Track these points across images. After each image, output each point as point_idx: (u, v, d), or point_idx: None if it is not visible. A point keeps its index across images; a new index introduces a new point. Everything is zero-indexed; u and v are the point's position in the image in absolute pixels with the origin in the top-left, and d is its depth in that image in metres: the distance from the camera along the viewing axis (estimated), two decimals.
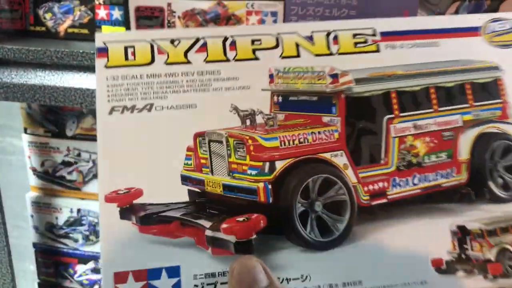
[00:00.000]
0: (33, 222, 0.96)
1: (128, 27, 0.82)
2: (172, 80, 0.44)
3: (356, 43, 0.46)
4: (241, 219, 0.40)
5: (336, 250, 0.42)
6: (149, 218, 0.41)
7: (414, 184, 0.46)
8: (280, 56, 0.45)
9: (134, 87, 0.43)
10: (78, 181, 0.94)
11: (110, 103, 0.43)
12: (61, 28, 0.86)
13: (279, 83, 0.45)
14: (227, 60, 0.45)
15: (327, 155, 0.44)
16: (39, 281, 0.99)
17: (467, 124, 0.48)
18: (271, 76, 0.45)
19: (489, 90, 0.49)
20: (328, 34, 0.46)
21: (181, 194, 0.42)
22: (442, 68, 0.47)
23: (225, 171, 0.44)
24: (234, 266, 0.37)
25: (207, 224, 0.41)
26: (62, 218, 0.95)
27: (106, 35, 0.45)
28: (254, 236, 0.40)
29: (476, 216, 0.44)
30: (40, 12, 0.87)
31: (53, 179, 0.95)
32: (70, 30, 0.87)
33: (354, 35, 0.47)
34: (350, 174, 0.44)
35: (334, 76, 0.45)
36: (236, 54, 0.45)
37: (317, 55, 0.46)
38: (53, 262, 0.97)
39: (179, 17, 0.80)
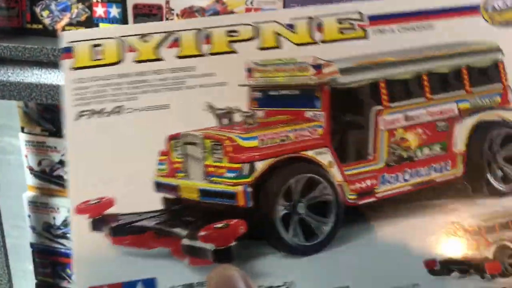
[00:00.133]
0: (31, 222, 0.96)
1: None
2: (143, 79, 0.41)
3: (341, 29, 0.43)
4: (219, 225, 0.38)
5: (322, 254, 0.39)
6: (121, 229, 0.39)
7: (405, 180, 0.43)
8: (259, 47, 0.42)
9: (102, 89, 0.41)
10: None
11: (77, 107, 0.40)
12: (59, 26, 0.86)
13: (257, 77, 0.42)
14: (201, 54, 0.42)
15: (310, 153, 0.42)
16: (37, 281, 1.00)
17: (464, 113, 0.45)
18: (249, 70, 0.42)
19: (488, 74, 0.45)
20: (310, 21, 0.43)
21: (155, 201, 0.40)
22: (436, 52, 0.44)
23: (202, 175, 0.42)
24: (211, 276, 0.36)
25: (183, 232, 0.39)
26: (59, 218, 0.95)
27: (72, 34, 0.42)
28: (234, 243, 0.38)
29: (473, 212, 0.41)
30: (37, 9, 0.86)
31: (50, 179, 0.94)
32: (67, 28, 0.86)
33: (339, 21, 0.43)
34: (335, 172, 0.42)
35: (318, 67, 0.42)
36: (211, 48, 0.42)
37: (299, 44, 0.42)
38: (51, 262, 0.98)
39: (177, 15, 0.79)
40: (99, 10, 0.83)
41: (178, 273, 0.38)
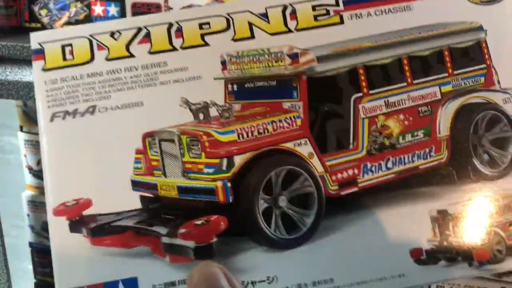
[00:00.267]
0: (29, 221, 0.97)
1: None
2: (115, 77, 0.40)
3: (316, 16, 0.42)
4: (199, 222, 0.38)
5: (304, 247, 0.39)
6: (100, 229, 0.39)
7: (388, 169, 0.42)
8: (232, 39, 0.41)
9: (74, 89, 0.40)
10: None
11: (51, 109, 0.40)
12: (57, 25, 0.84)
13: (232, 69, 0.42)
14: (174, 49, 0.41)
15: (289, 145, 0.41)
16: (36, 281, 1.00)
17: (447, 96, 0.43)
18: (223, 62, 0.41)
19: (471, 55, 0.44)
20: (284, 9, 0.42)
21: (133, 201, 0.39)
22: (415, 35, 0.42)
23: (179, 172, 0.41)
24: (193, 274, 0.35)
25: (163, 230, 0.39)
26: None
27: (41, 34, 0.42)
28: (215, 240, 0.38)
29: (459, 199, 0.40)
30: (36, 8, 0.85)
31: None
32: (66, 27, 0.84)
33: (314, 7, 0.42)
34: (316, 163, 0.41)
35: (294, 56, 0.41)
36: (183, 42, 0.41)
37: (273, 34, 0.42)
38: (50, 261, 0.98)
39: None
40: (98, 9, 0.82)
41: (159, 272, 0.38)
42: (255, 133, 0.41)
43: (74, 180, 0.39)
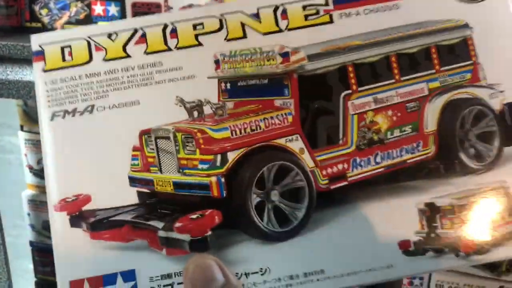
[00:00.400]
0: (30, 220, 0.98)
1: None
2: (112, 77, 0.42)
3: (306, 16, 0.43)
4: (194, 216, 0.39)
5: (296, 239, 0.40)
6: (99, 224, 0.40)
7: (377, 163, 0.43)
8: (225, 38, 0.43)
9: (73, 89, 0.42)
10: None
11: (51, 108, 0.42)
12: (57, 24, 0.85)
13: (225, 68, 0.43)
14: (169, 49, 0.42)
15: (281, 141, 0.42)
16: (36, 280, 1.01)
17: (434, 92, 0.45)
18: (216, 61, 0.43)
19: (457, 51, 0.45)
20: (275, 9, 0.43)
21: (131, 196, 0.41)
22: (403, 33, 0.43)
23: (175, 168, 0.43)
24: (188, 266, 0.37)
25: (159, 224, 0.40)
26: None
27: (41, 36, 0.43)
28: (209, 233, 0.39)
29: (446, 192, 0.41)
30: (36, 8, 0.86)
31: None
32: (66, 27, 0.86)
33: (304, 7, 0.43)
34: (306, 159, 0.42)
35: (285, 55, 0.42)
36: (178, 42, 0.43)
37: (265, 33, 0.43)
38: (50, 260, 0.98)
39: None
40: (98, 9, 0.83)
41: (156, 264, 0.39)
42: (248, 130, 0.42)
43: (74, 177, 0.40)
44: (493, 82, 0.43)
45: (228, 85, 0.44)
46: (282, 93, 0.43)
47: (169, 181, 0.42)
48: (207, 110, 0.42)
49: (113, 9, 0.82)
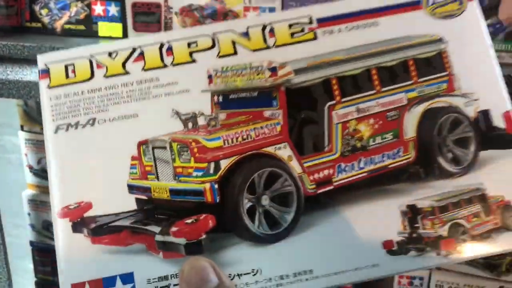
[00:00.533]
0: (30, 220, 0.97)
1: (125, 23, 0.83)
2: (112, 92, 0.45)
3: (292, 33, 0.46)
4: (189, 221, 0.42)
5: (285, 241, 0.42)
6: (99, 229, 0.42)
7: (360, 168, 0.46)
8: (217, 55, 0.46)
9: (76, 103, 0.45)
10: None
11: (55, 122, 0.44)
12: (57, 24, 0.86)
13: (218, 82, 0.46)
14: (165, 66, 0.46)
15: (270, 149, 0.45)
16: (36, 280, 1.00)
17: (412, 102, 0.48)
18: (209, 76, 0.46)
19: (433, 64, 0.48)
20: (263, 28, 0.46)
21: (129, 203, 0.43)
22: (382, 47, 0.47)
23: (171, 175, 0.45)
24: (183, 268, 0.39)
25: (156, 229, 0.42)
26: None
27: (47, 56, 0.46)
28: (204, 236, 0.41)
29: (426, 194, 0.44)
30: (36, 8, 0.86)
31: None
32: (66, 27, 0.86)
33: (290, 26, 0.46)
34: (294, 165, 0.45)
35: (273, 70, 0.45)
36: (173, 59, 0.46)
37: (254, 50, 0.46)
38: (50, 260, 0.98)
39: (176, 13, 0.79)
40: (98, 9, 0.83)
41: (153, 267, 0.41)
42: (239, 139, 0.45)
43: (76, 185, 0.43)
44: (468, 92, 0.46)
45: (221, 98, 0.48)
46: (271, 104, 0.46)
47: (165, 188, 0.45)
48: (201, 121, 0.45)
49: (113, 9, 0.83)
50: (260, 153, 0.45)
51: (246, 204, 0.44)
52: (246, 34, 0.46)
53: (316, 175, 0.45)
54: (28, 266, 1.02)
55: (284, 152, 0.45)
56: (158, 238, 0.42)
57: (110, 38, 0.85)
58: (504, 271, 0.86)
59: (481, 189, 0.44)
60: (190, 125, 0.45)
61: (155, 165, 0.46)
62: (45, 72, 0.45)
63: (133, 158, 0.44)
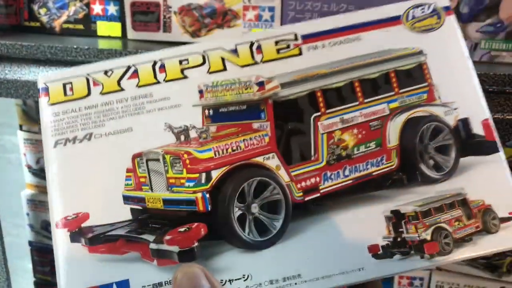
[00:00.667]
0: (29, 220, 0.97)
1: (123, 23, 0.82)
2: (108, 108, 0.47)
3: (279, 50, 0.49)
4: (182, 229, 0.43)
5: (274, 247, 0.44)
6: (96, 239, 0.44)
7: (346, 176, 0.48)
8: (208, 71, 0.48)
9: (74, 119, 0.47)
10: None
11: (54, 137, 0.47)
12: (56, 24, 0.85)
13: (208, 97, 0.48)
14: (158, 82, 0.48)
15: (259, 159, 0.47)
16: (35, 280, 1.00)
17: (394, 112, 0.50)
18: (200, 91, 0.48)
19: (414, 75, 0.50)
20: (251, 45, 0.49)
21: (125, 213, 0.45)
22: (364, 61, 0.49)
23: (164, 186, 0.47)
24: (176, 275, 0.40)
25: (150, 238, 0.44)
26: None
27: (47, 75, 0.49)
28: (196, 244, 0.43)
29: (409, 200, 0.46)
30: (35, 7, 0.85)
31: None
32: (65, 26, 0.85)
33: (276, 42, 0.49)
34: (282, 174, 0.47)
35: (260, 84, 0.48)
36: (166, 76, 0.48)
37: (242, 66, 0.48)
38: (49, 260, 0.97)
39: (175, 13, 0.79)
40: (97, 8, 0.82)
41: (148, 274, 0.43)
42: (229, 150, 0.47)
43: (74, 197, 0.45)
44: (447, 101, 0.48)
45: (211, 111, 0.50)
46: (259, 117, 0.49)
47: (159, 198, 0.47)
48: (192, 134, 0.47)
49: (112, 9, 0.82)
50: (250, 163, 0.47)
51: (237, 212, 0.46)
52: (235, 51, 0.49)
53: (303, 183, 0.47)
54: (27, 266, 1.01)
55: (273, 161, 0.47)
56: (153, 246, 0.44)
57: (109, 37, 0.84)
58: (505, 272, 0.86)
59: (462, 194, 0.46)
60: (182, 138, 0.47)
61: (149, 177, 0.48)
62: (45, 91, 0.48)
63: (128, 170, 0.46)
